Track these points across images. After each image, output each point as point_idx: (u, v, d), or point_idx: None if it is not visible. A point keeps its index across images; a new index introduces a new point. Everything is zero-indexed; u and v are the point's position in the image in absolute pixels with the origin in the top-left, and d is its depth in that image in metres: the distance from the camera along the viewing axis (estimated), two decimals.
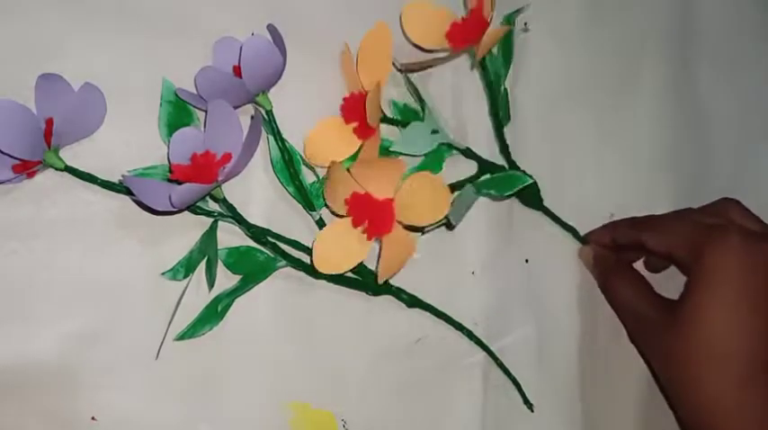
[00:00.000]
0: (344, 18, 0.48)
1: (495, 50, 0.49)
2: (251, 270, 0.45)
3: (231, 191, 0.45)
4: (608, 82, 0.55)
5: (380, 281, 0.45)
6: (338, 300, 0.47)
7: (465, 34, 0.47)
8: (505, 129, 0.50)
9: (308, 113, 0.47)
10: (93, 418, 0.44)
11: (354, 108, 0.46)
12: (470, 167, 0.50)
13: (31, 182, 0.43)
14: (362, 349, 0.48)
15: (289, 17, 0.46)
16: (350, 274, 0.46)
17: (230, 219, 0.45)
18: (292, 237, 0.46)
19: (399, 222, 0.44)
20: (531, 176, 0.49)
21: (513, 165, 0.50)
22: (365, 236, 0.44)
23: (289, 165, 0.46)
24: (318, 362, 0.47)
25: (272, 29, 0.44)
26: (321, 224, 0.46)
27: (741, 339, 0.43)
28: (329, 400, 0.47)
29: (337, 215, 0.45)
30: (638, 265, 0.53)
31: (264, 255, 0.46)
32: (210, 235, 0.44)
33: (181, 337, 0.44)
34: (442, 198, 0.43)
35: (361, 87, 0.47)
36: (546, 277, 0.52)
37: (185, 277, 0.44)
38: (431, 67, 0.50)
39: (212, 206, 0.45)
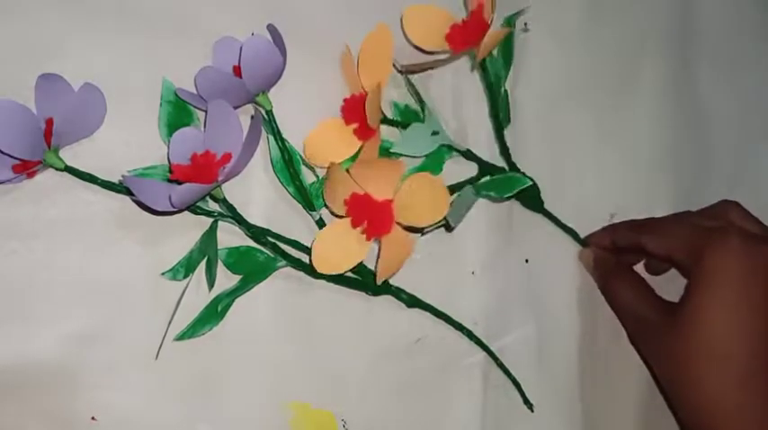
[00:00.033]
0: (345, 18, 0.48)
1: (495, 52, 0.49)
2: (251, 270, 0.45)
3: (231, 191, 0.45)
4: (608, 82, 0.55)
5: (379, 281, 0.45)
6: (338, 300, 0.47)
7: (465, 36, 0.47)
8: (506, 131, 0.50)
9: (308, 113, 0.47)
10: (93, 418, 0.44)
11: (355, 109, 0.46)
12: (471, 169, 0.50)
13: (31, 182, 0.43)
14: (362, 349, 0.48)
15: (289, 17, 0.46)
16: (350, 274, 0.46)
17: (230, 219, 0.45)
18: (292, 238, 0.46)
19: (398, 223, 0.44)
20: (531, 178, 0.49)
21: (513, 166, 0.50)
22: (364, 236, 0.44)
23: (289, 165, 0.46)
24: (318, 362, 0.47)
25: (271, 29, 0.44)
26: (321, 224, 0.46)
27: (741, 341, 0.43)
28: (329, 400, 0.47)
29: (337, 215, 0.45)
30: (639, 268, 0.53)
31: (264, 255, 0.46)
32: (210, 235, 0.44)
33: (181, 337, 0.44)
34: (441, 199, 0.43)
35: (361, 88, 0.47)
36: (546, 277, 0.52)
37: (185, 277, 0.44)
38: (431, 68, 0.50)
39: (212, 206, 0.45)
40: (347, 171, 0.43)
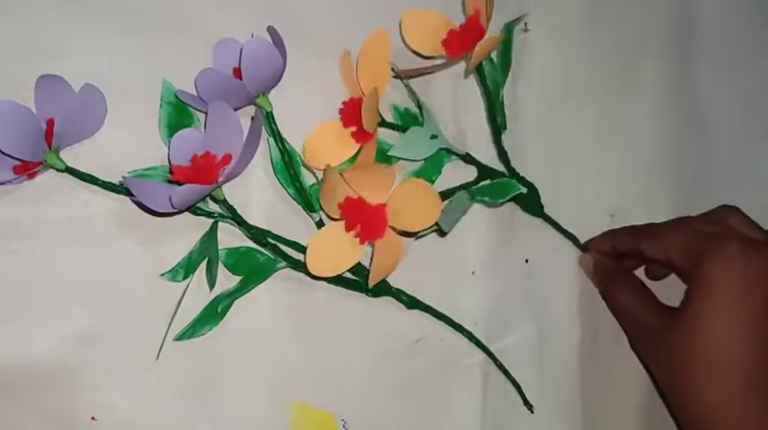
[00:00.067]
0: (345, 19, 0.48)
1: (494, 57, 0.49)
2: (251, 271, 0.45)
3: (231, 192, 0.45)
4: (608, 82, 0.55)
5: (371, 284, 0.45)
6: (338, 301, 0.47)
7: (462, 42, 0.47)
8: (504, 134, 0.50)
9: (309, 115, 0.47)
10: (93, 418, 0.44)
11: (353, 112, 0.46)
12: (470, 172, 0.50)
13: (32, 182, 0.43)
14: (362, 349, 0.48)
15: (289, 18, 0.46)
16: (350, 276, 0.46)
17: (230, 220, 0.45)
18: (292, 239, 0.46)
19: (392, 227, 0.44)
20: (529, 183, 0.50)
21: (511, 171, 0.50)
22: (358, 240, 0.44)
23: (289, 166, 0.46)
24: (318, 363, 0.47)
25: (272, 30, 0.44)
26: (321, 225, 0.46)
27: (741, 347, 0.43)
28: (329, 400, 0.47)
29: (332, 218, 0.45)
30: (639, 273, 0.53)
31: (264, 256, 0.46)
32: (211, 236, 0.44)
33: (180, 337, 0.44)
34: (433, 205, 0.43)
35: (360, 92, 0.47)
36: (546, 277, 0.52)
37: (185, 278, 0.44)
38: (430, 73, 0.50)
39: (212, 207, 0.45)
40: (341, 174, 0.43)
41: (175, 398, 0.45)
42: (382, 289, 0.47)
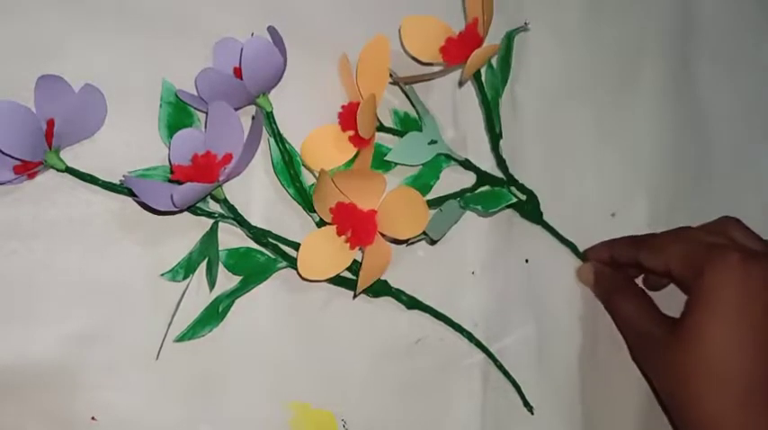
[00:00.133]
0: (345, 19, 0.48)
1: (494, 63, 0.49)
2: (251, 271, 0.45)
3: (232, 191, 0.45)
4: (608, 81, 0.55)
5: (358, 291, 0.45)
6: (338, 301, 0.47)
7: (459, 50, 0.47)
8: (501, 142, 0.50)
9: (309, 115, 0.47)
10: (93, 418, 0.44)
11: (351, 116, 0.46)
12: (469, 178, 0.50)
13: (32, 182, 0.43)
14: (362, 349, 0.48)
15: (289, 18, 0.46)
16: (350, 276, 0.46)
17: (231, 220, 0.45)
18: (293, 239, 0.46)
19: (382, 234, 0.44)
20: (528, 190, 0.50)
21: (510, 178, 0.50)
22: (348, 245, 0.44)
23: (289, 166, 0.46)
24: (318, 363, 0.47)
25: (272, 30, 0.44)
26: (321, 225, 0.46)
27: (742, 357, 0.43)
28: (329, 400, 0.47)
29: (324, 222, 0.45)
30: (638, 282, 0.53)
31: (265, 256, 0.46)
32: (211, 236, 0.44)
33: (181, 338, 0.44)
34: (421, 214, 0.43)
35: (359, 97, 0.47)
36: (546, 277, 0.52)
37: (185, 278, 0.44)
38: (428, 80, 0.50)
39: (213, 207, 0.45)
40: (332, 180, 0.43)
41: (176, 399, 0.45)
42: (382, 289, 0.47)
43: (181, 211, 0.43)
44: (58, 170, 0.42)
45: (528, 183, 0.51)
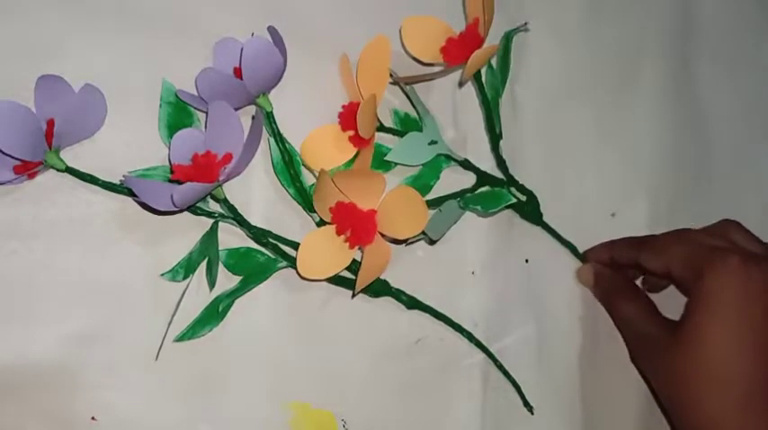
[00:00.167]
0: (345, 20, 0.48)
1: (494, 64, 0.49)
2: (251, 271, 0.45)
3: (232, 191, 0.45)
4: (608, 81, 0.55)
5: (357, 290, 0.45)
6: (338, 301, 0.47)
7: (460, 50, 0.47)
8: (502, 142, 0.50)
9: (309, 115, 0.47)
10: (93, 418, 0.44)
11: (352, 116, 0.46)
12: (469, 179, 0.50)
13: (32, 182, 0.43)
14: (362, 349, 0.48)
15: (289, 18, 0.46)
16: (349, 276, 0.46)
17: (231, 220, 0.45)
18: (293, 238, 0.46)
19: (381, 233, 0.44)
20: (528, 191, 0.50)
21: (510, 179, 0.50)
22: (347, 245, 0.44)
23: (289, 166, 0.46)
24: (319, 363, 0.47)
25: (272, 30, 0.44)
26: (321, 226, 0.46)
27: (742, 360, 0.43)
28: (329, 400, 0.47)
29: (324, 222, 0.45)
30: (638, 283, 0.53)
31: (265, 256, 0.46)
32: (211, 236, 0.44)
33: (181, 338, 0.44)
34: (420, 214, 0.43)
35: (359, 97, 0.47)
36: (546, 277, 0.52)
37: (185, 278, 0.44)
38: (429, 80, 0.50)
39: (213, 207, 0.45)
40: (332, 179, 0.43)
41: (176, 399, 0.45)
42: (382, 289, 0.47)
43: (181, 211, 0.43)
44: (58, 170, 0.42)
45: (528, 183, 0.51)
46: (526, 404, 0.50)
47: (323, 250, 0.45)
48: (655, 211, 0.54)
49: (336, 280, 0.46)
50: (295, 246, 0.46)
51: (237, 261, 0.45)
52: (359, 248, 0.45)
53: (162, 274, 0.44)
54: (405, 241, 0.48)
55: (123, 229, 0.44)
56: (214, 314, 0.45)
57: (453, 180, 0.49)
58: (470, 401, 0.50)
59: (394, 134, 0.48)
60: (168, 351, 0.44)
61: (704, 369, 0.43)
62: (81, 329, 0.44)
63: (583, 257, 0.52)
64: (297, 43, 0.45)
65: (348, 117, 0.47)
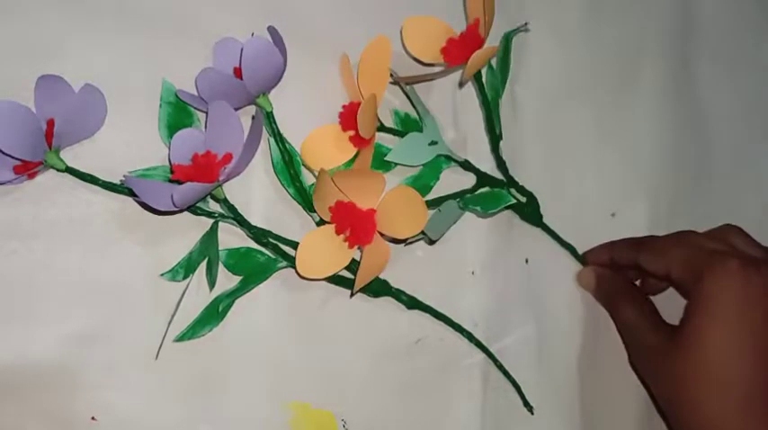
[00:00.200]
0: (345, 19, 0.48)
1: (494, 64, 0.49)
2: (251, 271, 0.45)
3: (232, 191, 0.45)
4: (608, 81, 0.55)
5: (356, 290, 0.45)
6: (338, 301, 0.47)
7: (460, 51, 0.47)
8: (501, 143, 0.50)
9: (309, 115, 0.47)
10: (93, 418, 0.44)
11: (352, 116, 0.46)
12: (469, 179, 0.50)
13: (32, 182, 0.43)
14: (362, 349, 0.48)
15: (289, 18, 0.46)
16: (349, 275, 0.46)
17: (231, 220, 0.45)
18: (293, 238, 0.46)
19: (381, 233, 0.44)
20: (528, 192, 0.50)
21: (510, 180, 0.50)
22: (347, 244, 0.44)
23: (289, 166, 0.46)
24: (319, 363, 0.47)
25: (272, 30, 0.44)
26: (321, 226, 0.46)
27: (742, 362, 0.43)
28: (329, 400, 0.47)
29: (324, 221, 0.45)
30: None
31: (265, 256, 0.46)
32: (211, 236, 0.44)
33: (181, 338, 0.44)
34: (419, 213, 0.44)
35: (360, 97, 0.47)
36: (546, 277, 0.52)
37: (185, 278, 0.44)
38: (429, 80, 0.50)
39: (213, 207, 0.45)
40: (332, 179, 0.43)
41: (176, 399, 0.45)
42: (382, 289, 0.47)
43: (181, 211, 0.43)
44: (58, 170, 0.42)
45: (528, 183, 0.51)
46: (526, 404, 0.50)
47: (322, 249, 0.45)
48: (655, 211, 0.54)
49: (336, 279, 0.46)
50: (295, 245, 0.46)
51: (237, 261, 0.45)
52: (358, 248, 0.45)
53: (162, 274, 0.44)
54: (404, 241, 0.48)
55: (123, 229, 0.44)
56: (214, 314, 0.45)
57: (453, 180, 0.49)
58: (470, 401, 0.50)
59: (394, 134, 0.48)
60: (168, 351, 0.44)
61: (704, 371, 0.43)
62: (81, 329, 0.44)
63: (583, 260, 0.52)
64: (297, 43, 0.45)
65: (348, 117, 0.47)
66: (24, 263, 0.43)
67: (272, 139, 0.46)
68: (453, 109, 0.51)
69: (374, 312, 0.48)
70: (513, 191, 0.50)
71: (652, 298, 0.50)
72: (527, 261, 0.52)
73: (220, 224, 0.45)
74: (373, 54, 0.46)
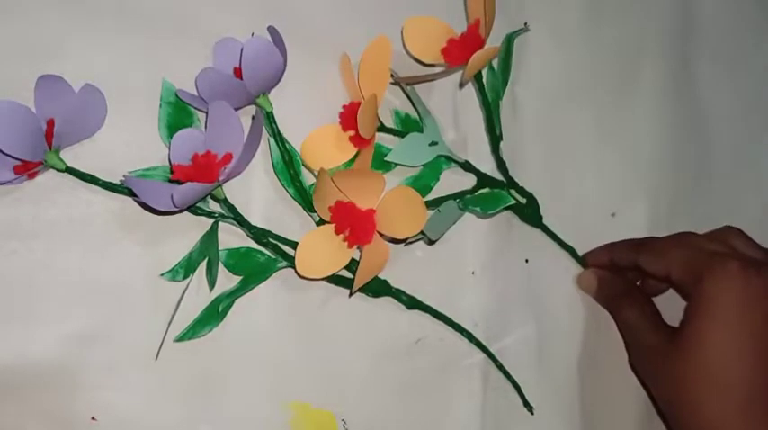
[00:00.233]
0: (345, 19, 0.48)
1: (495, 65, 0.49)
2: (251, 271, 0.45)
3: (232, 191, 0.45)
4: (608, 81, 0.55)
5: (354, 289, 0.45)
6: (338, 301, 0.47)
7: (460, 51, 0.47)
8: (502, 144, 0.50)
9: (309, 115, 0.47)
10: (93, 418, 0.44)
11: (352, 116, 0.46)
12: (470, 180, 0.50)
13: (32, 182, 0.43)
14: (362, 349, 0.48)
15: (289, 18, 0.46)
16: (348, 275, 0.46)
17: (231, 220, 0.45)
18: (293, 238, 0.46)
19: (380, 233, 0.44)
20: (528, 193, 0.50)
21: (510, 181, 0.50)
22: (346, 244, 0.44)
23: (289, 166, 0.46)
24: (319, 363, 0.47)
25: (272, 30, 0.44)
26: (321, 225, 0.46)
27: (742, 364, 0.43)
28: (329, 400, 0.47)
29: (324, 221, 0.45)
30: None
31: (265, 255, 0.46)
32: (211, 236, 0.44)
33: (181, 338, 0.44)
34: (419, 213, 0.44)
35: (360, 97, 0.47)
36: (546, 277, 0.52)
37: (185, 278, 0.44)
38: (430, 81, 0.50)
39: (213, 207, 0.45)
40: (332, 179, 0.43)
41: (176, 399, 0.45)
42: (382, 289, 0.47)
43: (181, 211, 0.43)
44: (58, 170, 0.42)
45: (528, 183, 0.51)
46: (526, 404, 0.50)
47: (321, 249, 0.45)
48: (655, 211, 0.54)
49: (335, 279, 0.46)
50: (295, 245, 0.46)
51: (237, 261, 0.45)
52: (357, 248, 0.45)
53: (162, 274, 0.44)
54: (404, 241, 0.48)
55: (123, 229, 0.44)
56: (214, 314, 0.45)
57: (453, 181, 0.49)
58: (470, 401, 0.50)
59: (394, 134, 0.48)
60: (168, 351, 0.44)
61: (704, 373, 0.43)
62: (81, 329, 0.44)
63: (583, 261, 0.52)
64: (297, 43, 0.45)
65: (349, 117, 0.47)
66: (24, 263, 0.43)
67: (272, 139, 0.46)
68: (454, 109, 0.51)
69: (374, 312, 0.48)
70: (513, 192, 0.50)
71: (655, 300, 0.50)
72: (527, 261, 0.52)
73: (220, 224, 0.45)
74: (374, 54, 0.46)
